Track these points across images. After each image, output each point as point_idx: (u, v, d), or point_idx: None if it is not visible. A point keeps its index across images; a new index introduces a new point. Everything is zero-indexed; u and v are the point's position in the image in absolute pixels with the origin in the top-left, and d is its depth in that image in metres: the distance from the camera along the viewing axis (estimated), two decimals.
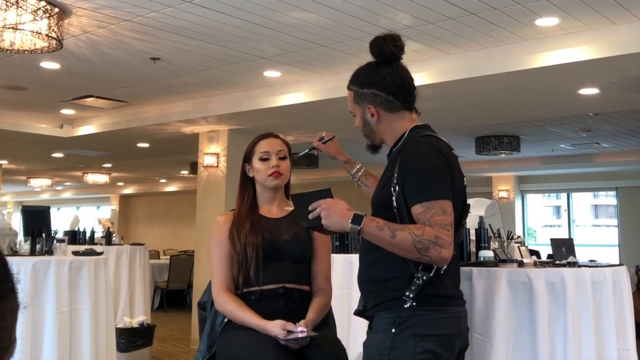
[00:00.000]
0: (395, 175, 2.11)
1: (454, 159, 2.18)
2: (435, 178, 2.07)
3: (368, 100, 2.25)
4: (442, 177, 2.08)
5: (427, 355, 2.03)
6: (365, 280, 2.22)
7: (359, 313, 2.29)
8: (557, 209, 16.63)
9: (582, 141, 10.13)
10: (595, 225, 16.51)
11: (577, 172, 12.98)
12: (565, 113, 7.68)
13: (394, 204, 2.10)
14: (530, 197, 14.90)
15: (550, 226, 16.88)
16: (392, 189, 2.11)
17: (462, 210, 2.18)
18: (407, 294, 2.05)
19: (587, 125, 8.85)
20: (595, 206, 16.68)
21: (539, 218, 16.07)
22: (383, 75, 2.23)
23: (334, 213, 2.06)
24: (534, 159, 12.17)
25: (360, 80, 2.29)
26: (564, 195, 14.86)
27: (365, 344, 2.16)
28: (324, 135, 2.69)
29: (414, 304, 2.05)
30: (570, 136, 9.72)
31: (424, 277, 2.05)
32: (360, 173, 2.64)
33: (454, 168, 2.14)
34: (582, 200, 15.59)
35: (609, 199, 15.02)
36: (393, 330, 2.06)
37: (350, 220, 2.03)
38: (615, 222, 13.67)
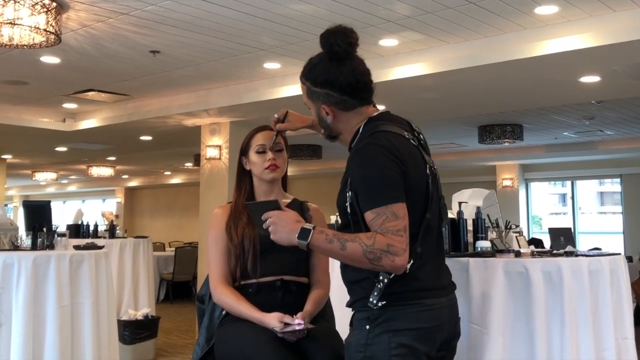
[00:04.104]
0: (349, 179, 2.06)
1: (409, 150, 2.08)
2: (384, 182, 1.98)
3: (322, 100, 2.17)
4: (391, 179, 1.99)
5: (402, 349, 2.00)
6: (343, 278, 2.20)
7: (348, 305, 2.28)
8: (563, 196, 16.60)
9: (586, 129, 10.10)
10: (601, 213, 16.49)
11: (581, 159, 12.95)
12: (567, 101, 7.65)
13: (348, 210, 2.06)
14: (535, 185, 14.87)
15: (557, 214, 16.85)
16: (347, 194, 2.07)
17: (425, 201, 2.09)
18: (371, 300, 2.01)
19: (591, 113, 8.82)
20: (601, 193, 16.66)
21: (545, 206, 16.03)
22: (335, 75, 2.12)
23: (282, 228, 2.03)
24: (537, 147, 12.14)
25: (312, 77, 2.18)
26: (569, 183, 14.84)
27: (345, 341, 2.15)
28: (276, 116, 2.61)
29: (384, 302, 2.01)
30: (573, 124, 9.69)
31: (385, 280, 2.00)
32: None
33: (407, 163, 2.03)
34: (588, 188, 15.56)
35: (614, 186, 14.97)
36: (367, 326, 2.04)
37: (297, 235, 1.99)
38: (620, 209, 13.65)
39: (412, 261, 2.01)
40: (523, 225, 13.51)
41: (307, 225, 2.02)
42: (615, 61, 5.45)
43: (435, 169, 2.19)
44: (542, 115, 9.00)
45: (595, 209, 16.45)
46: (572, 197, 14.53)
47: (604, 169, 13.46)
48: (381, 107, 2.25)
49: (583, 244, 12.51)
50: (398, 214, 1.95)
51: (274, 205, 2.11)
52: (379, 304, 2.01)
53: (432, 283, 2.12)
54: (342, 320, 3.47)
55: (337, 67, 2.12)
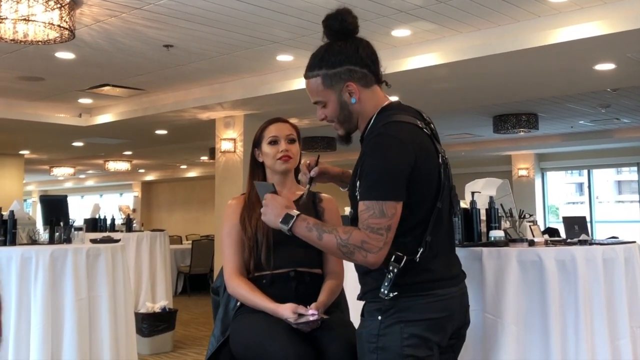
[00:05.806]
0: (359, 169, 2.07)
1: (421, 140, 2.07)
2: (387, 177, 1.97)
3: (345, 79, 2.12)
4: (394, 175, 1.97)
5: (414, 340, 2.01)
6: (356, 269, 2.22)
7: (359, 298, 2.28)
8: (580, 185, 16.48)
9: (602, 117, 10.02)
10: (619, 201, 16.35)
11: (598, 148, 12.86)
12: (582, 89, 7.60)
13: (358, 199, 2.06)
14: (551, 175, 14.78)
15: (573, 203, 16.74)
16: (357, 183, 2.07)
17: (437, 190, 2.08)
18: (382, 290, 2.02)
19: (606, 101, 8.75)
20: (619, 182, 16.51)
21: (561, 195, 15.94)
22: (352, 49, 2.12)
23: (271, 211, 2.13)
24: (553, 136, 12.06)
25: (329, 61, 2.14)
26: (586, 172, 14.74)
27: (356, 332, 2.17)
28: (308, 162, 2.57)
29: (396, 293, 2.01)
30: (589, 112, 9.62)
31: (395, 270, 2.01)
32: None
33: (419, 154, 2.02)
34: (605, 177, 15.44)
35: (632, 174, 14.85)
36: (379, 317, 2.05)
37: (280, 220, 2.09)
38: (637, 197, 13.53)
39: (421, 249, 2.03)
40: (539, 215, 13.45)
41: (292, 212, 2.09)
42: (629, 48, 5.41)
43: (446, 158, 2.18)
44: (557, 104, 8.94)
45: (613, 198, 16.31)
46: (589, 186, 14.43)
47: (621, 157, 13.35)
48: (394, 98, 2.25)
49: (600, 233, 12.43)
50: (386, 212, 1.95)
51: (270, 189, 2.24)
52: (391, 295, 2.01)
53: (443, 274, 2.13)
54: (357, 310, 3.48)
55: (351, 43, 2.14)
